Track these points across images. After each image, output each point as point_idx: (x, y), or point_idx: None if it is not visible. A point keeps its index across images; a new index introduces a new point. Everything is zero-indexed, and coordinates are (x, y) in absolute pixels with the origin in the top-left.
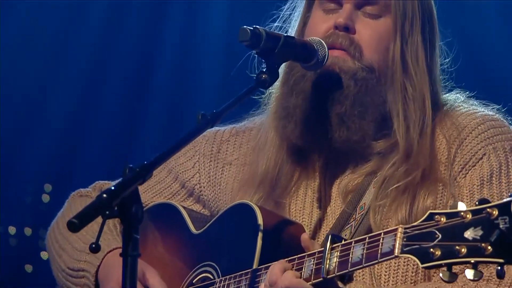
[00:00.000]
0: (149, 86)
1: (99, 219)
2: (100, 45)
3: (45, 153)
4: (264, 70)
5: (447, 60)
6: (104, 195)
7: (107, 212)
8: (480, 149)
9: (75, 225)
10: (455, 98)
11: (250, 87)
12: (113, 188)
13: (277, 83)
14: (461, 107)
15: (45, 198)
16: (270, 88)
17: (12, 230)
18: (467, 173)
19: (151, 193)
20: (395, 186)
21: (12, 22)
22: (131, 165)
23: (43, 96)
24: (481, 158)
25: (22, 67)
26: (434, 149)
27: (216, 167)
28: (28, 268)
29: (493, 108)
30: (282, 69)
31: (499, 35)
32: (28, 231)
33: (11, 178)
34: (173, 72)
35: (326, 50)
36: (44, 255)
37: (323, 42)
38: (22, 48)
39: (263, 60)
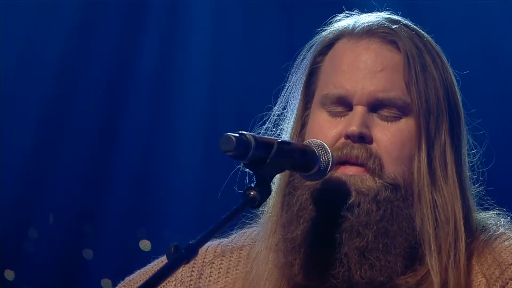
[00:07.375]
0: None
1: None
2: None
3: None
4: (252, 185)
5: (475, 159)
6: None
7: None
8: None
9: None
10: (495, 222)
11: (235, 209)
12: None
13: (272, 201)
14: (504, 237)
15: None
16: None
17: None
18: None
19: None
20: None
21: None
22: None
23: (51, 128)
24: None
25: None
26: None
27: None
28: None
29: None
30: (278, 181)
31: None
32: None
33: None
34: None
35: (330, 155)
36: None
37: (325, 144)
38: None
39: (251, 173)
